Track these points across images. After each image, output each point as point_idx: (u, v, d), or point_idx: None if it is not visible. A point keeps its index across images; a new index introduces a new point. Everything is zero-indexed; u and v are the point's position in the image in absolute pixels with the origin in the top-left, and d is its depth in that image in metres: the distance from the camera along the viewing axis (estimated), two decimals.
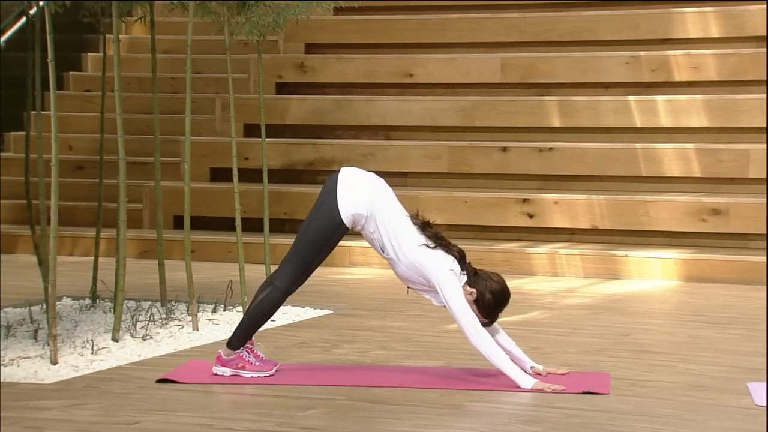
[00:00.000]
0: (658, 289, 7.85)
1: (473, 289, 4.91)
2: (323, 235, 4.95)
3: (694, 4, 10.10)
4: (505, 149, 9.41)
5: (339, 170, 5.05)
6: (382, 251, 4.97)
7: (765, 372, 5.15)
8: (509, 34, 10.42)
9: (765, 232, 8.30)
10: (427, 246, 4.91)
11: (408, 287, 5.05)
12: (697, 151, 9.01)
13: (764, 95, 9.24)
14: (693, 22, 9.93)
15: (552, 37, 10.32)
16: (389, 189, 5.04)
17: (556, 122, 9.63)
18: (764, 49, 9.58)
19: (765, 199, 8.45)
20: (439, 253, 4.91)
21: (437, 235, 4.95)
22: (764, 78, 9.44)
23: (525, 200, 8.86)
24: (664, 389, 4.95)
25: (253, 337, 5.08)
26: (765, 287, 7.45)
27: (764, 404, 4.68)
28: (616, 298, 7.45)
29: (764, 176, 8.81)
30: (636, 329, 6.36)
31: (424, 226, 4.96)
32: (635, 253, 8.25)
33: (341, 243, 5.10)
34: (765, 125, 9.09)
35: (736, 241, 8.43)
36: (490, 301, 4.91)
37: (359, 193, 4.93)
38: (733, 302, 7.27)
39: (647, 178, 9.10)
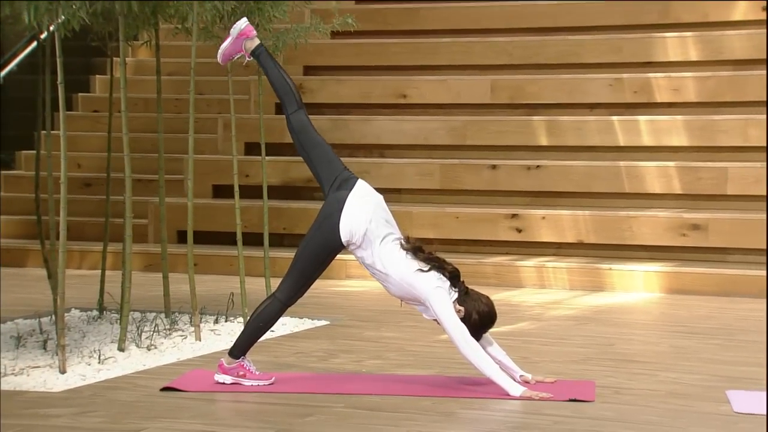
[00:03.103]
0: (640, 300, 7.84)
1: (462, 308, 4.90)
2: (323, 251, 4.95)
3: (674, 29, 10.13)
4: (494, 167, 9.41)
5: (349, 188, 4.97)
6: (373, 274, 4.98)
7: (745, 380, 5.16)
8: (498, 57, 10.44)
9: (744, 246, 8.32)
10: (421, 270, 4.89)
11: (402, 301, 5.05)
12: (677, 169, 9.02)
13: (741, 116, 9.26)
14: (673, 46, 9.96)
15: (539, 60, 10.34)
16: (389, 214, 5.02)
17: (544, 141, 9.64)
18: (741, 73, 9.60)
19: (743, 215, 8.47)
20: (430, 274, 4.89)
21: (430, 258, 4.92)
22: (741, 99, 9.46)
23: (514, 216, 8.86)
24: (647, 397, 4.94)
25: (248, 354, 5.06)
26: (747, 298, 7.45)
27: (743, 411, 4.68)
28: (600, 309, 7.44)
29: (742, 193, 8.82)
30: (620, 339, 6.36)
31: (416, 252, 4.93)
32: (619, 266, 8.24)
33: (338, 257, 5.10)
34: (742, 144, 9.12)
35: (715, 255, 8.43)
36: (476, 322, 4.89)
37: (361, 223, 4.89)
38: (712, 313, 7.27)
39: (630, 195, 9.10)
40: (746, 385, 5.14)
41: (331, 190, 4.98)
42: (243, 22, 5.18)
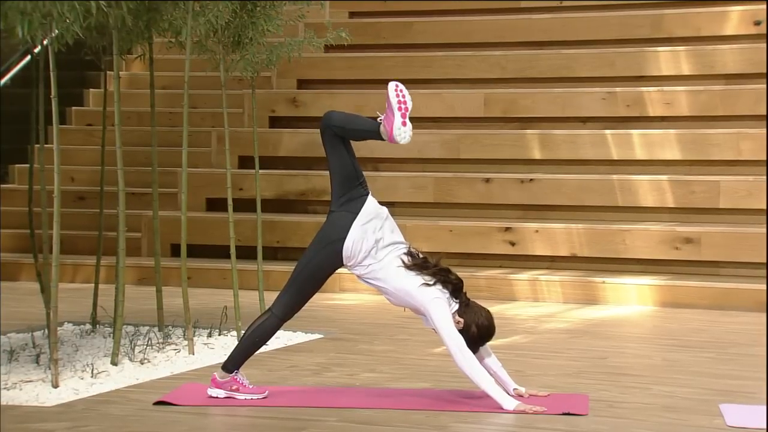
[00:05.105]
0: (634, 314, 7.85)
1: (461, 319, 4.90)
2: (323, 271, 4.96)
3: (666, 44, 10.16)
4: (488, 180, 9.42)
5: (355, 211, 4.95)
6: (373, 287, 4.97)
7: (739, 394, 5.15)
8: (492, 70, 10.46)
9: (737, 259, 8.33)
10: (426, 284, 4.88)
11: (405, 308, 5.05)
12: (670, 183, 9.04)
13: (733, 130, 9.29)
14: (665, 60, 9.98)
15: (532, 74, 10.36)
16: (393, 231, 5.01)
17: (537, 155, 9.66)
18: (733, 87, 9.63)
19: (735, 228, 8.49)
20: (433, 288, 4.88)
21: (436, 273, 4.91)
22: (734, 113, 9.49)
23: (507, 229, 8.87)
24: (640, 410, 4.94)
25: (241, 368, 5.04)
26: (739, 312, 7.45)
27: (736, 425, 4.68)
28: (594, 322, 7.44)
29: (735, 206, 8.84)
30: (613, 353, 6.36)
31: (421, 268, 4.92)
32: (612, 279, 8.25)
33: None
34: (734, 157, 9.14)
35: (707, 268, 8.44)
36: (474, 334, 4.89)
37: (362, 250, 4.89)
38: (705, 327, 7.27)
39: (623, 208, 9.11)
40: (739, 399, 5.14)
41: (337, 206, 4.98)
42: (403, 138, 5.11)
